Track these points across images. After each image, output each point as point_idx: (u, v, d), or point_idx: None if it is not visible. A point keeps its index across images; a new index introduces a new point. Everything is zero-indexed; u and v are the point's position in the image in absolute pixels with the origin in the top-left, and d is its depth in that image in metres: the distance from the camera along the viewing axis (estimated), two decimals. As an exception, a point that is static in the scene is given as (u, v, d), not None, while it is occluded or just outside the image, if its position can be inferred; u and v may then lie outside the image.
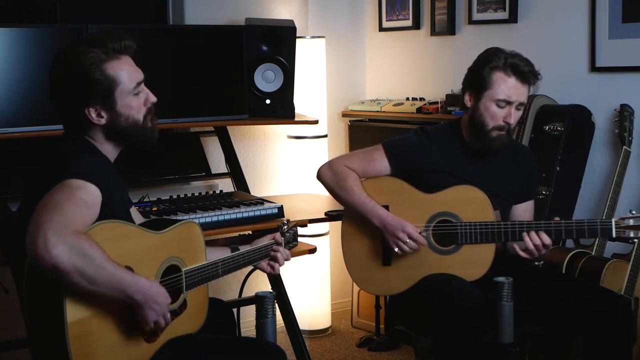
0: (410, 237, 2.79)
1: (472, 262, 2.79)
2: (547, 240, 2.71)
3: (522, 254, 2.74)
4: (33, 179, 2.23)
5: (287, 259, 2.66)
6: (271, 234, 2.68)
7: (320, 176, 3.01)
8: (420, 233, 2.80)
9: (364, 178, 2.94)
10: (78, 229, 1.96)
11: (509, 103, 2.79)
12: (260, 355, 2.36)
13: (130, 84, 2.24)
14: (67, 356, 1.97)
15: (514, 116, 2.80)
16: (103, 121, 2.23)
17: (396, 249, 2.81)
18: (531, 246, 2.71)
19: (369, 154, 2.97)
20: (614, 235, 2.70)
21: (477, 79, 2.83)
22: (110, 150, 2.29)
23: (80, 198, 2.03)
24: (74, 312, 1.98)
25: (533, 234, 2.71)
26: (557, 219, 2.74)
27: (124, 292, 2.02)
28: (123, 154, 2.34)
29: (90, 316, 2.02)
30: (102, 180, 2.11)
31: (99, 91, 2.19)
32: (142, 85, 2.29)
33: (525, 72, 2.78)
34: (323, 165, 3.02)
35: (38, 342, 2.08)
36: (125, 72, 2.23)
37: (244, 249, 2.57)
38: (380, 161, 2.94)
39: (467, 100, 2.87)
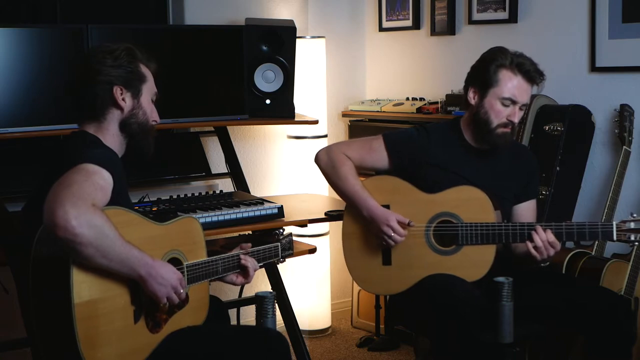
0: (394, 231, 2.79)
1: (473, 262, 2.79)
2: (551, 237, 2.70)
3: (532, 251, 2.71)
4: (45, 173, 2.25)
5: (255, 269, 2.60)
6: (245, 243, 2.63)
7: (317, 160, 3.02)
8: (409, 223, 2.79)
9: (360, 167, 2.95)
10: (95, 204, 2.01)
11: (513, 102, 2.80)
12: (263, 343, 2.37)
13: (151, 90, 2.43)
14: (74, 338, 1.98)
15: (518, 115, 2.81)
16: (125, 106, 2.34)
17: (383, 242, 2.82)
18: (539, 242, 2.69)
19: (368, 143, 2.98)
20: (615, 238, 2.70)
21: (483, 75, 2.82)
22: (116, 146, 2.35)
23: (97, 182, 2.08)
24: (81, 293, 2.00)
25: (540, 230, 2.71)
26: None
27: (131, 267, 2.07)
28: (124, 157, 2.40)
29: (97, 300, 2.04)
30: (114, 170, 2.16)
31: (130, 77, 2.34)
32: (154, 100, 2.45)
33: (531, 71, 2.79)
34: (321, 149, 3.03)
35: (44, 329, 2.08)
36: (151, 78, 2.42)
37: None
38: (378, 151, 2.94)
39: (471, 97, 2.87)
